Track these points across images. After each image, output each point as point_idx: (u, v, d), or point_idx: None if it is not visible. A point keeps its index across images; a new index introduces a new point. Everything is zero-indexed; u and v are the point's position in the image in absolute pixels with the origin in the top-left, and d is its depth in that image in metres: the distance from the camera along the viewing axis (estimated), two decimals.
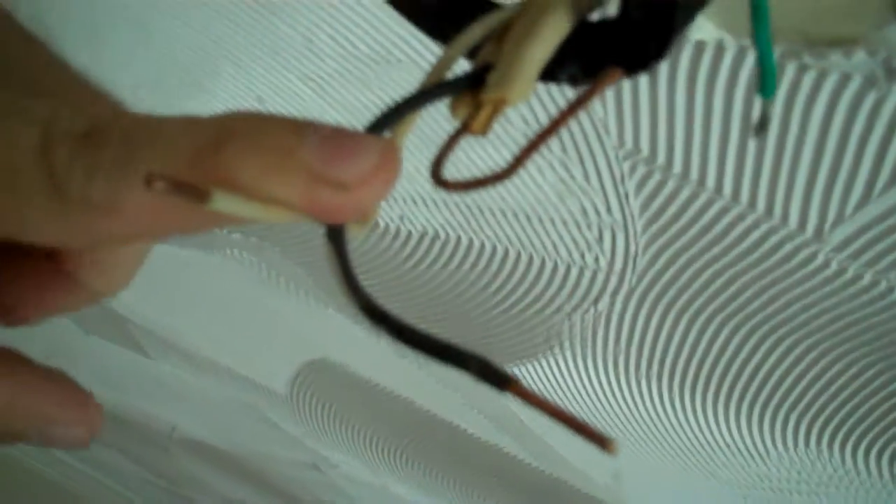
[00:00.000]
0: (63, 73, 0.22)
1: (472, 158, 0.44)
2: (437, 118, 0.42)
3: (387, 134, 0.20)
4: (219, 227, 0.19)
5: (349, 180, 0.17)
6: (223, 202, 0.17)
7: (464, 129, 0.21)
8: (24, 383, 0.21)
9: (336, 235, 0.19)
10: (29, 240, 0.18)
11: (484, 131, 0.21)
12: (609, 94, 0.36)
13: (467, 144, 0.43)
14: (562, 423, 0.17)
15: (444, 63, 0.21)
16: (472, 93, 0.21)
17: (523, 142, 0.21)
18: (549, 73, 0.21)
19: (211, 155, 0.17)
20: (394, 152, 0.17)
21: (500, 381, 0.17)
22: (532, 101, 0.39)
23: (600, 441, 0.16)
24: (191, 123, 0.17)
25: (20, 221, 0.18)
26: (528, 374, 0.59)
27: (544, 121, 0.39)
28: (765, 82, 0.21)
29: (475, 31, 0.21)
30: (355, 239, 0.53)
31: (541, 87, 0.37)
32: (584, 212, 0.43)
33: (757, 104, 0.33)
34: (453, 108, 0.22)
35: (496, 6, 0.22)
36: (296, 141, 0.17)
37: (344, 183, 0.17)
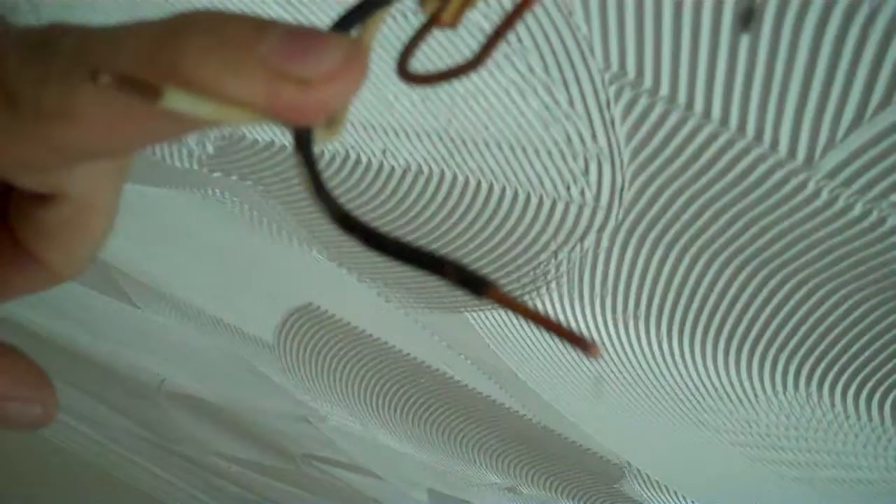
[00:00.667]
0: None
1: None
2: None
3: (354, 33, 0.19)
4: (181, 133, 0.18)
5: (312, 77, 0.16)
6: (177, 100, 0.16)
7: (433, 21, 0.21)
8: None
9: (304, 143, 0.18)
10: None
11: (453, 22, 0.21)
12: (594, 10, 0.35)
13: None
14: (541, 326, 0.17)
15: None
16: None
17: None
18: None
19: (165, 51, 0.16)
20: (360, 50, 0.17)
21: (478, 284, 0.17)
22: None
23: (581, 344, 0.16)
24: (145, 22, 0.17)
25: None
26: (515, 316, 0.59)
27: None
28: None
29: None
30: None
31: None
32: (569, 140, 0.42)
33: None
34: (422, 1, 0.21)
35: None
36: (256, 36, 0.16)
37: (306, 80, 0.16)
